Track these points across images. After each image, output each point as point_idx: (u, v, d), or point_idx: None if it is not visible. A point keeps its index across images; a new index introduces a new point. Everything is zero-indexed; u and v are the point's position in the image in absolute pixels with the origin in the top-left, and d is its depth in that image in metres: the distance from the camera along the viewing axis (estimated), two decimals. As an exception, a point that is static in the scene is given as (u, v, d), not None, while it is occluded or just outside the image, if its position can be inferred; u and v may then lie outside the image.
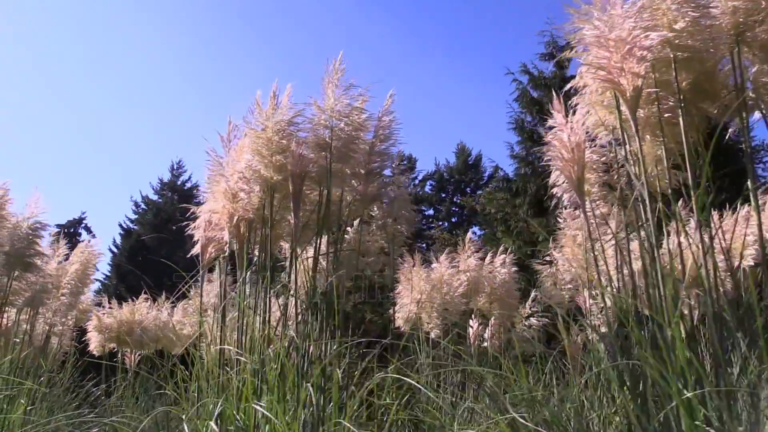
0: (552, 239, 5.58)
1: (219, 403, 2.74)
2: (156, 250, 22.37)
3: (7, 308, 3.90)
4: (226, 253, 3.55)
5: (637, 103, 2.09)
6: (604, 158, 2.70)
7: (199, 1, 39.12)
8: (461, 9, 36.44)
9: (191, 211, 3.79)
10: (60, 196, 36.75)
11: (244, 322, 3.09)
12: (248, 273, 3.05)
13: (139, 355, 6.72)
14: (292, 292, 3.01)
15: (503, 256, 5.48)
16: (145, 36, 37.84)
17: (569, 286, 5.15)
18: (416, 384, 2.44)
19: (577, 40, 2.23)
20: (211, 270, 5.83)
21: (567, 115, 2.34)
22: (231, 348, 2.90)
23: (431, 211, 29.59)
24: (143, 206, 27.09)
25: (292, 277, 3.21)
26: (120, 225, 26.09)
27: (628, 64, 2.02)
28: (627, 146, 2.25)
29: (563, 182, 2.56)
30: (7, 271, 3.80)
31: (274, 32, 40.29)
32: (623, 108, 2.15)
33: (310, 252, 3.43)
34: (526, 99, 14.33)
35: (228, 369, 3.08)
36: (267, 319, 2.86)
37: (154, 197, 27.35)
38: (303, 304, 3.00)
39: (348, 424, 2.21)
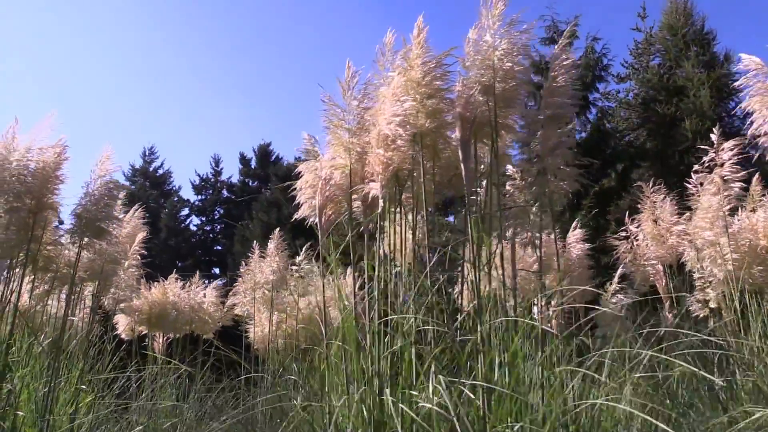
0: (628, 215, 5.35)
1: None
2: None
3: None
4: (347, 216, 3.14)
5: None
6: None
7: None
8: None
9: (297, 171, 3.36)
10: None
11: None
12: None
13: (167, 339, 6.20)
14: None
15: (577, 231, 5.20)
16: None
17: (653, 262, 4.93)
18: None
19: None
20: (263, 245, 5.37)
21: None
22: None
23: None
24: (114, 192, 25.95)
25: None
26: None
27: None
28: None
29: None
30: (78, 238, 3.29)
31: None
32: None
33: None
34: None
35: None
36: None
37: (126, 183, 26.26)
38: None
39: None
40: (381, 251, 3.10)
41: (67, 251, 3.81)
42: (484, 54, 2.67)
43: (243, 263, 5.17)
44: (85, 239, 3.34)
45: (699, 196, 3.93)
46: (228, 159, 39.84)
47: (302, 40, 40.34)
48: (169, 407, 3.80)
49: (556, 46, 2.74)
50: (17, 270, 3.53)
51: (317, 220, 3.07)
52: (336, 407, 2.41)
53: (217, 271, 25.63)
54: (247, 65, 40.38)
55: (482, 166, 3.03)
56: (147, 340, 5.98)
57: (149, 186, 26.88)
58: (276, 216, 24.57)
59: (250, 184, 28.14)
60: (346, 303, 2.83)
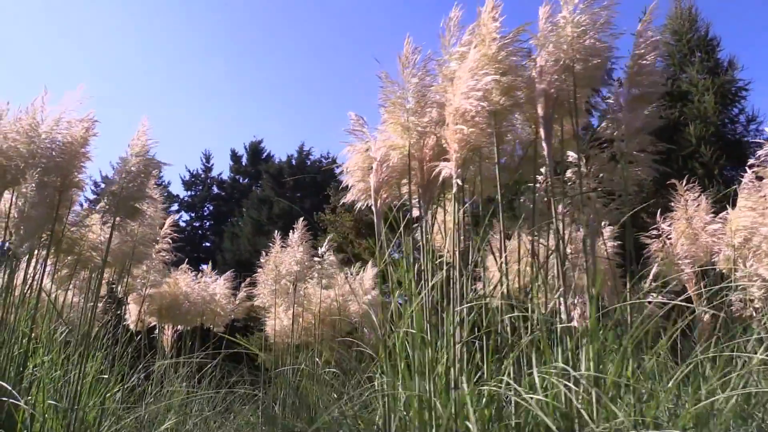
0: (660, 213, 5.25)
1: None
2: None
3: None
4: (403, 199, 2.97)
5: None
6: None
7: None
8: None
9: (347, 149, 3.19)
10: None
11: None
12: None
13: (176, 331, 5.97)
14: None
15: (608, 227, 5.08)
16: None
17: (687, 260, 4.84)
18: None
19: None
20: (284, 236, 5.17)
21: None
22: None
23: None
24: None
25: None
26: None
27: None
28: None
29: None
30: (111, 218, 3.08)
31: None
32: None
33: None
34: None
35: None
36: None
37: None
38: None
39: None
40: (441, 236, 2.94)
41: (91, 233, 3.59)
42: (561, 30, 2.53)
43: (264, 253, 4.97)
44: (118, 219, 3.14)
45: (750, 192, 3.83)
46: (218, 155, 39.43)
47: (294, 36, 40.11)
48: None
49: (639, 23, 2.60)
50: (38, 252, 3.32)
51: (372, 202, 2.90)
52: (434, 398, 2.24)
53: (204, 267, 25.25)
54: (239, 61, 40.02)
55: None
56: (155, 332, 5.76)
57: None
58: (267, 213, 24.31)
59: (241, 180, 27.83)
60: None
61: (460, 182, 2.41)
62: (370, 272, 5.36)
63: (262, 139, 27.73)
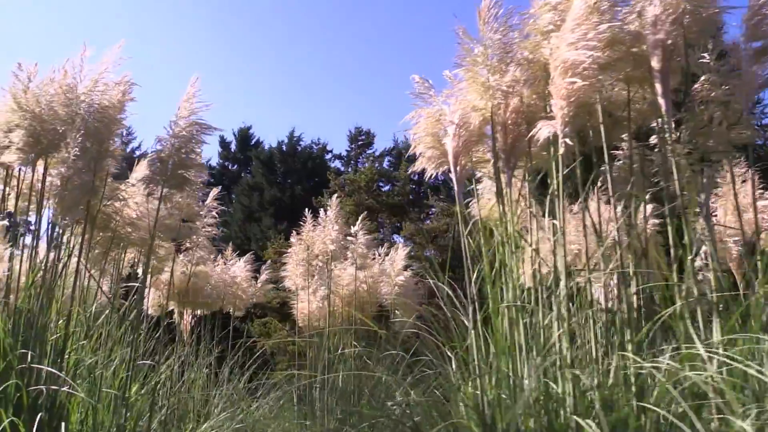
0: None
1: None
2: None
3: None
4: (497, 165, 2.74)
5: None
6: None
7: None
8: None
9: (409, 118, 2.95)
10: None
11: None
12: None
13: (192, 316, 5.70)
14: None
15: (649, 206, 4.91)
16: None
17: (735, 238, 4.69)
18: None
19: None
20: (315, 212, 4.91)
21: None
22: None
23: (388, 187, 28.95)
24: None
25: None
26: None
27: None
28: None
29: None
30: (160, 187, 2.82)
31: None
32: None
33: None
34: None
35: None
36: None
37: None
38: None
39: None
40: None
41: (127, 208, 3.32)
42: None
43: (294, 232, 4.71)
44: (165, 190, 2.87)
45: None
46: (207, 142, 38.66)
47: (282, 20, 39.46)
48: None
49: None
50: (70, 227, 3.04)
51: (451, 168, 2.66)
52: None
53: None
54: (226, 46, 39.31)
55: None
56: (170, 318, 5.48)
57: (125, 167, 25.89)
58: (258, 200, 23.92)
59: (230, 167, 27.38)
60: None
61: (569, 141, 2.18)
62: (401, 252, 5.14)
63: (251, 126, 27.28)
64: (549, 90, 2.26)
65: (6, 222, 2.56)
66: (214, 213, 3.32)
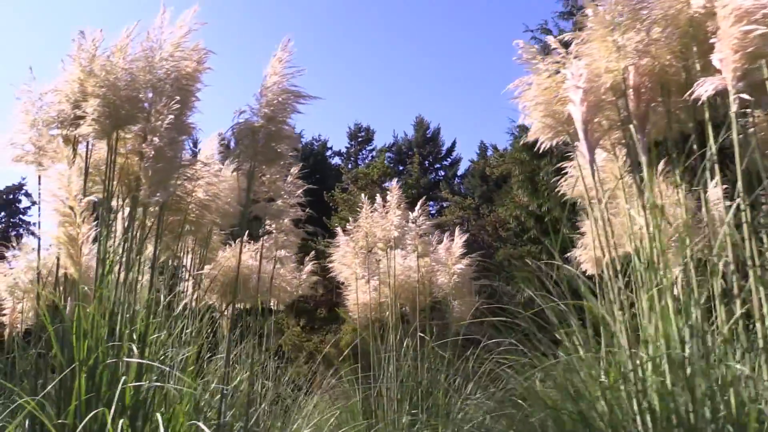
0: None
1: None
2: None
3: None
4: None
5: None
6: None
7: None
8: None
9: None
10: None
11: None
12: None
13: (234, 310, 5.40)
14: None
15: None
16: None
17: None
18: None
19: None
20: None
21: None
22: None
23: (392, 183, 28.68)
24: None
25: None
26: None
27: None
28: None
29: None
30: (250, 163, 2.55)
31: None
32: None
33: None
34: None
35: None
36: None
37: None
38: None
39: None
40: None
41: (198, 190, 3.05)
42: None
43: (350, 219, 4.45)
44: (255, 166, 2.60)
45: None
46: (207, 140, 38.26)
47: (280, 12, 39.06)
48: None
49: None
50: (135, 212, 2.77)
51: (580, 135, 2.41)
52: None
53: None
54: (224, 42, 38.80)
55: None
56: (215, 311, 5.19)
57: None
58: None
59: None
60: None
61: (746, 96, 1.95)
62: (458, 240, 4.88)
63: (249, 121, 26.92)
64: (699, 48, 2.02)
65: (94, 198, 2.28)
66: (299, 192, 3.03)
